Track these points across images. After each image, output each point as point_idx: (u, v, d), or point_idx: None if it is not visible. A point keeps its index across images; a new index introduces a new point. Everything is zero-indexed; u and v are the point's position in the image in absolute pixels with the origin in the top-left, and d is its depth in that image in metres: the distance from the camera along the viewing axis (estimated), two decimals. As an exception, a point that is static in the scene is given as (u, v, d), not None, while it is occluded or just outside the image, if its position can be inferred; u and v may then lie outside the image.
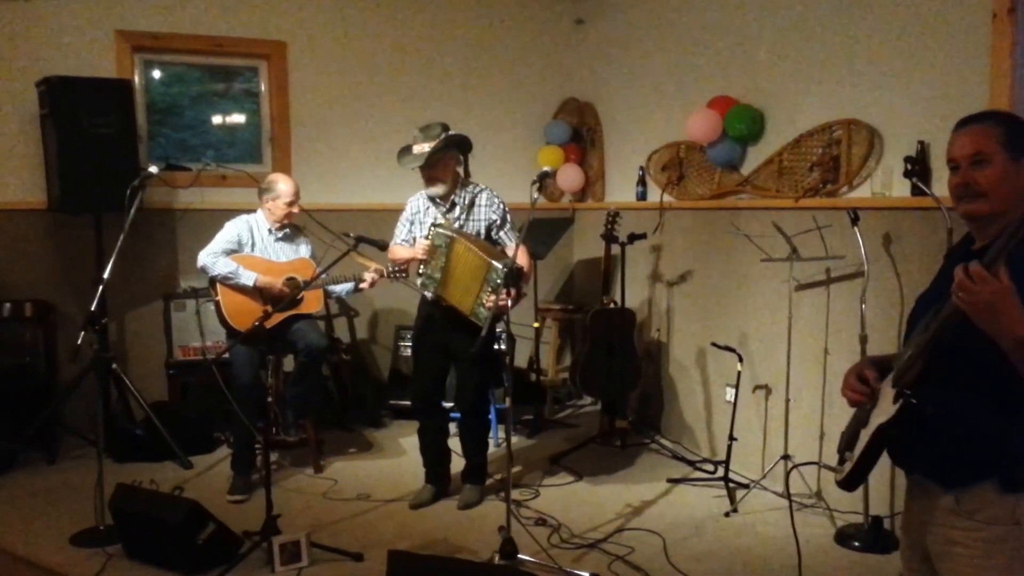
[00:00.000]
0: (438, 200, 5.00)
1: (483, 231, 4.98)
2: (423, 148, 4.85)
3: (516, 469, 5.69)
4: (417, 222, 5.07)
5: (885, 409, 2.27)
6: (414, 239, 5.04)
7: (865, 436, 2.34)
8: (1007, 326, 1.97)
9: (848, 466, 2.42)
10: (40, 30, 6.25)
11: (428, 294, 5.00)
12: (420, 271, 4.93)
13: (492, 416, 6.34)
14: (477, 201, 4.99)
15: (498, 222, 5.01)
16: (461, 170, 5.05)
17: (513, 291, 4.58)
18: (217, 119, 7.15)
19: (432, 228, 4.90)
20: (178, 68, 6.98)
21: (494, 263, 4.58)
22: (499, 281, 4.51)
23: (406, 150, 4.97)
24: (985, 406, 2.14)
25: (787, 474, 5.08)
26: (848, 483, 2.46)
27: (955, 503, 2.21)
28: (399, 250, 5.05)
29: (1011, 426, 2.12)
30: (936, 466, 2.27)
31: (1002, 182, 2.19)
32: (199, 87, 7.09)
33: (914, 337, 2.27)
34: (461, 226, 4.92)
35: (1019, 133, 2.23)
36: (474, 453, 5.23)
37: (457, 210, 4.97)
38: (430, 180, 4.90)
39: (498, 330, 6.19)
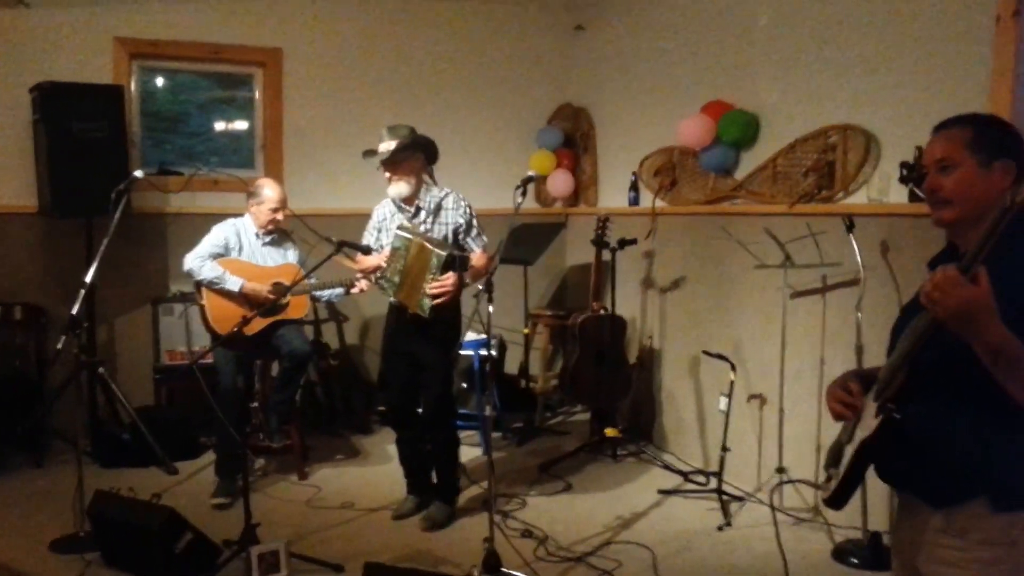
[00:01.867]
0: (404, 206, 4.91)
1: (450, 235, 4.89)
2: (389, 146, 4.78)
3: (504, 478, 5.63)
4: (384, 229, 4.98)
5: (868, 424, 2.20)
6: (382, 247, 4.94)
7: (849, 452, 2.27)
8: (981, 332, 1.90)
9: (834, 483, 2.34)
10: (39, 37, 6.22)
11: (391, 299, 4.91)
12: (379, 275, 4.85)
13: (480, 424, 6.31)
14: (443, 204, 4.90)
15: (464, 226, 4.91)
16: (427, 177, 4.97)
17: (454, 276, 4.57)
18: (220, 126, 7.14)
19: (395, 231, 4.82)
20: (184, 76, 6.99)
21: (433, 248, 4.55)
22: (438, 265, 4.51)
23: (372, 152, 4.90)
24: (969, 419, 2.07)
25: (771, 491, 5.01)
26: (834, 501, 2.37)
27: (945, 523, 2.13)
28: (365, 259, 4.95)
29: (997, 441, 2.04)
30: (923, 484, 2.20)
31: (968, 188, 2.13)
32: (205, 94, 7.09)
33: (896, 349, 2.20)
34: (427, 230, 4.84)
35: (991, 136, 2.16)
36: (441, 470, 5.10)
37: (423, 214, 4.88)
38: (395, 178, 4.80)
39: (485, 336, 6.15)
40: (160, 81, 6.90)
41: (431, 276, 4.56)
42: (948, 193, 2.16)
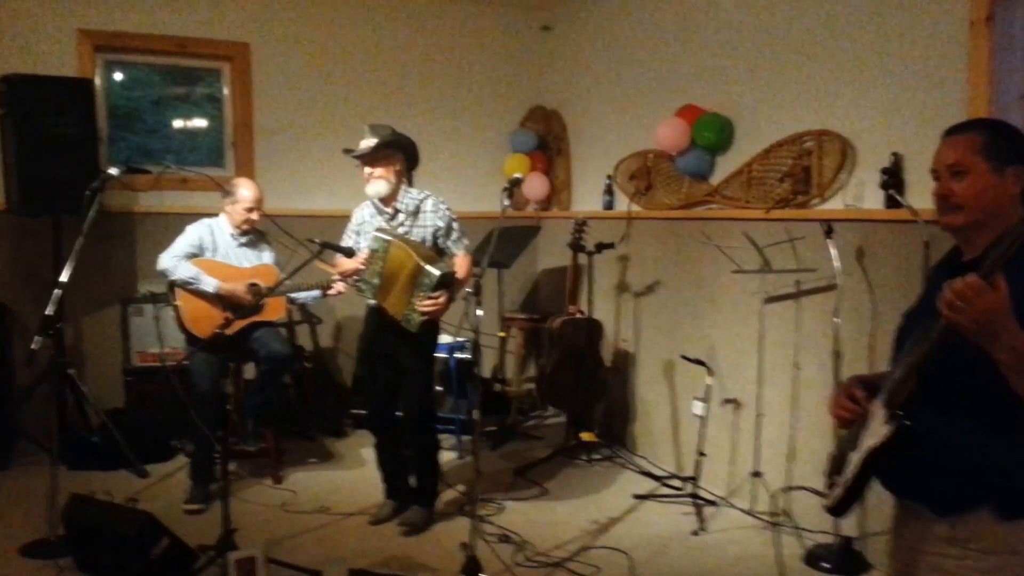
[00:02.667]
0: (382, 208, 4.89)
1: (429, 238, 4.86)
2: (370, 143, 4.75)
3: (479, 482, 5.57)
4: (363, 232, 4.95)
5: (876, 431, 2.19)
6: (361, 249, 4.91)
7: (855, 459, 2.26)
8: (1005, 339, 1.89)
9: (837, 491, 2.33)
10: (2, 28, 6.12)
11: (370, 301, 4.88)
12: (358, 277, 4.82)
13: (456, 427, 6.29)
14: (422, 207, 4.87)
15: (443, 229, 4.88)
16: (406, 180, 4.95)
17: (447, 295, 4.57)
18: (178, 123, 7.04)
19: (373, 233, 4.79)
20: (140, 71, 6.86)
21: (426, 267, 4.52)
22: (431, 284, 4.48)
23: (351, 150, 4.87)
24: (981, 428, 2.07)
25: (772, 495, 5.01)
26: (837, 508, 2.36)
27: (950, 530, 2.13)
28: (344, 261, 4.90)
29: (1008, 450, 2.05)
30: (930, 491, 2.19)
31: (980, 194, 2.14)
32: (161, 91, 6.97)
33: (903, 356, 2.19)
34: (406, 232, 4.81)
35: (1003, 143, 2.17)
36: (421, 474, 5.06)
37: (401, 216, 4.86)
38: (371, 175, 4.77)
39: (464, 340, 6.14)
40: (116, 76, 6.79)
41: (423, 294, 4.54)
42: (960, 199, 2.16)
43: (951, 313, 1.92)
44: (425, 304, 4.54)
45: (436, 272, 4.49)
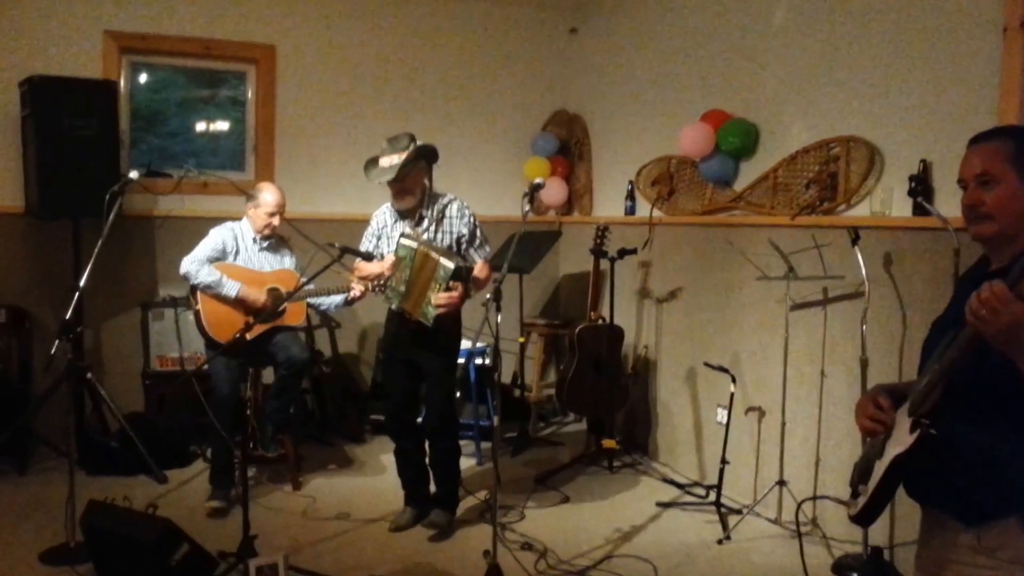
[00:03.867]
0: (405, 213, 4.86)
1: (453, 245, 4.83)
2: (392, 160, 4.69)
3: (500, 488, 5.53)
4: (384, 236, 4.91)
5: (901, 440, 2.16)
6: (382, 254, 4.87)
7: (880, 468, 2.23)
8: None
9: (862, 500, 2.31)
10: (28, 29, 6.14)
11: (394, 306, 4.85)
12: (385, 284, 4.79)
13: (475, 433, 6.25)
14: (447, 213, 4.84)
15: (467, 236, 4.86)
16: (427, 182, 4.91)
17: (461, 288, 4.55)
18: (201, 126, 7.02)
19: (399, 240, 4.76)
20: (164, 73, 6.86)
21: (441, 259, 4.50)
22: (445, 276, 4.47)
23: (373, 162, 4.82)
24: (1007, 437, 2.03)
25: (798, 507, 4.95)
26: (863, 518, 2.34)
27: (976, 540, 2.09)
28: (366, 265, 4.88)
29: None
30: (956, 501, 2.15)
31: (1010, 203, 2.10)
32: (186, 92, 6.96)
33: (930, 364, 2.16)
34: (431, 239, 4.78)
35: None
36: (442, 479, 5.02)
37: (426, 222, 4.83)
38: (400, 193, 4.74)
39: (484, 345, 6.10)
40: (141, 78, 6.78)
41: (437, 286, 4.51)
42: (989, 208, 2.12)
43: (976, 321, 1.90)
44: (440, 296, 4.50)
45: (450, 264, 4.46)
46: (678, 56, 6.25)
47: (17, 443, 5.68)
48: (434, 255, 4.55)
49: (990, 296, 1.86)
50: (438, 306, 4.52)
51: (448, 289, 4.51)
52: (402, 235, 4.76)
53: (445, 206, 4.85)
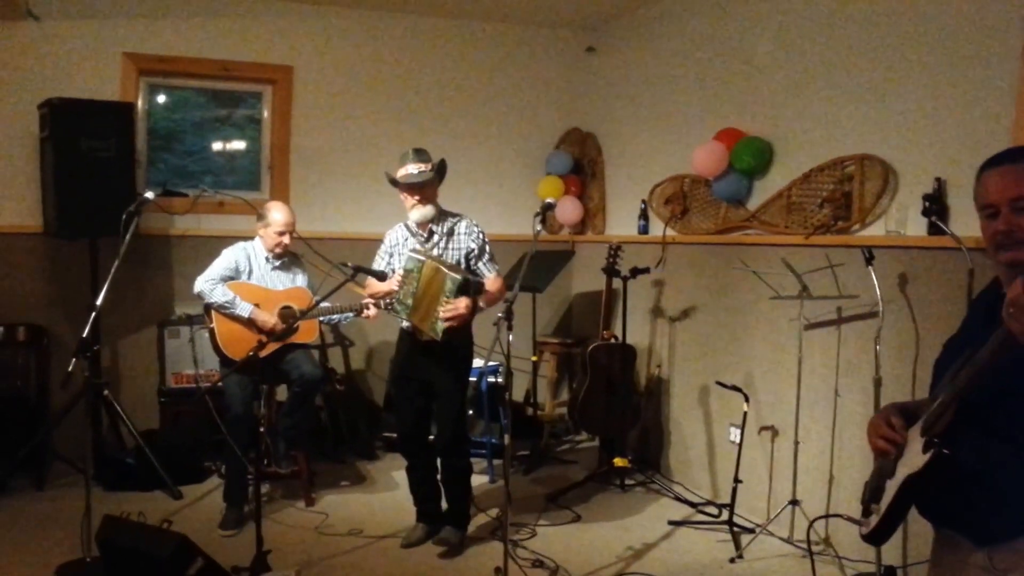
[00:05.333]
0: (417, 230, 4.90)
1: (463, 260, 4.87)
2: (420, 167, 4.77)
3: (512, 506, 5.54)
4: (396, 254, 4.96)
5: (913, 459, 2.15)
6: (394, 271, 4.90)
7: (892, 487, 2.22)
8: None
9: (875, 519, 2.30)
10: (48, 51, 6.22)
11: (403, 323, 4.88)
12: (392, 299, 4.82)
13: (487, 451, 6.26)
14: (456, 230, 4.89)
15: (476, 251, 4.89)
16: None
17: (468, 300, 4.57)
18: (217, 145, 7.08)
19: (408, 254, 4.80)
20: (182, 94, 6.92)
21: (450, 273, 4.53)
22: (452, 289, 4.49)
23: (402, 163, 4.84)
24: (1016, 457, 2.01)
25: (809, 525, 4.94)
26: (875, 537, 2.33)
27: (988, 561, 2.08)
28: (377, 284, 4.92)
29: None
30: (968, 521, 2.14)
31: None
32: (203, 112, 7.02)
33: (943, 384, 2.15)
34: (440, 254, 4.82)
35: None
36: (454, 498, 5.04)
37: (436, 237, 4.87)
38: (422, 201, 4.79)
39: (496, 363, 6.12)
40: (159, 98, 6.85)
41: (445, 299, 4.54)
42: None
43: (1009, 320, 1.83)
44: (448, 309, 4.52)
45: (457, 277, 4.50)
46: (691, 75, 6.29)
47: (35, 459, 5.73)
48: (443, 269, 4.58)
49: (1018, 295, 1.79)
50: (446, 319, 4.54)
51: (457, 303, 4.54)
52: (412, 250, 4.81)
53: (455, 224, 4.90)
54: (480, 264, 4.92)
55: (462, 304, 4.57)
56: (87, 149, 5.71)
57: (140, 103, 6.53)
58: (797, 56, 5.31)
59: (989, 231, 2.14)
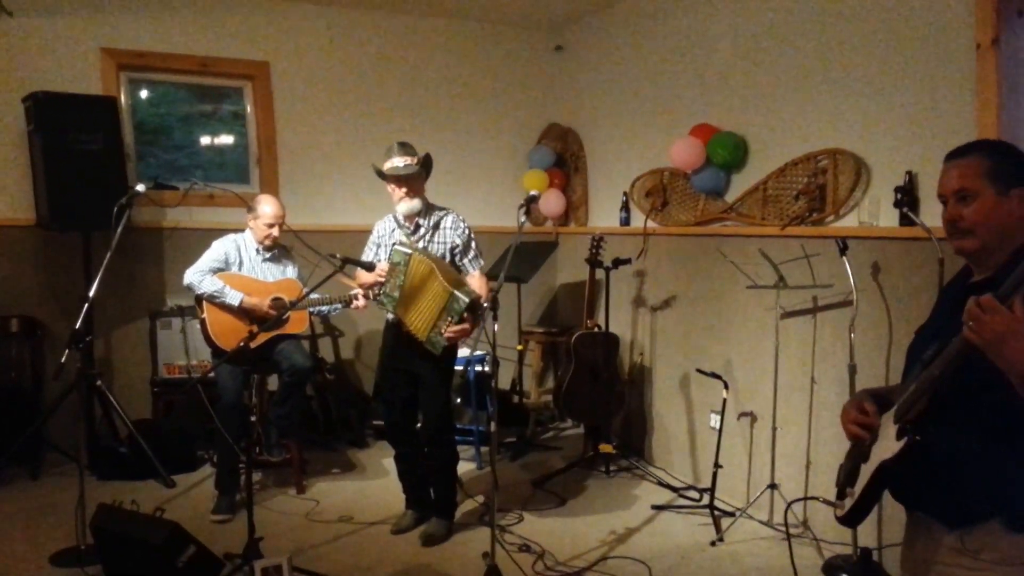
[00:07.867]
0: (403, 222, 4.98)
1: (447, 254, 4.94)
2: (406, 160, 4.85)
3: (499, 492, 5.64)
4: (383, 245, 5.03)
5: (887, 445, 2.23)
6: (380, 262, 4.97)
7: (867, 472, 2.30)
8: (1017, 360, 1.91)
9: (850, 502, 2.38)
10: (27, 46, 6.23)
11: (389, 315, 4.95)
12: (379, 291, 4.89)
13: (475, 438, 6.37)
14: (442, 224, 4.96)
15: (461, 247, 4.96)
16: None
17: (472, 321, 4.62)
18: (206, 140, 7.14)
19: (394, 246, 4.87)
20: (167, 88, 6.97)
21: (457, 293, 4.54)
22: (462, 311, 4.53)
23: (387, 156, 4.91)
24: (991, 443, 2.09)
25: (786, 508, 5.06)
26: (850, 519, 2.41)
27: (960, 542, 2.15)
28: (364, 275, 4.98)
29: (1018, 465, 2.07)
30: (940, 504, 2.22)
31: (988, 217, 2.17)
32: (188, 107, 7.08)
33: (916, 371, 2.23)
34: (425, 247, 4.89)
35: (1006, 165, 2.20)
36: (440, 487, 5.10)
37: (422, 230, 4.94)
38: (409, 194, 4.86)
39: (483, 353, 6.21)
40: (143, 93, 6.89)
41: (451, 319, 4.57)
42: (969, 223, 2.19)
43: (969, 331, 1.96)
44: (454, 329, 4.58)
45: (466, 299, 4.52)
46: (665, 71, 6.39)
47: (29, 449, 5.80)
48: (441, 279, 4.58)
49: (982, 305, 1.92)
50: (449, 339, 4.62)
51: (461, 321, 4.58)
52: (398, 242, 4.88)
53: (442, 217, 4.97)
54: (465, 261, 4.99)
55: (469, 325, 4.62)
56: (74, 142, 5.76)
57: (123, 97, 6.57)
58: (762, 54, 5.43)
59: (942, 220, 2.28)
